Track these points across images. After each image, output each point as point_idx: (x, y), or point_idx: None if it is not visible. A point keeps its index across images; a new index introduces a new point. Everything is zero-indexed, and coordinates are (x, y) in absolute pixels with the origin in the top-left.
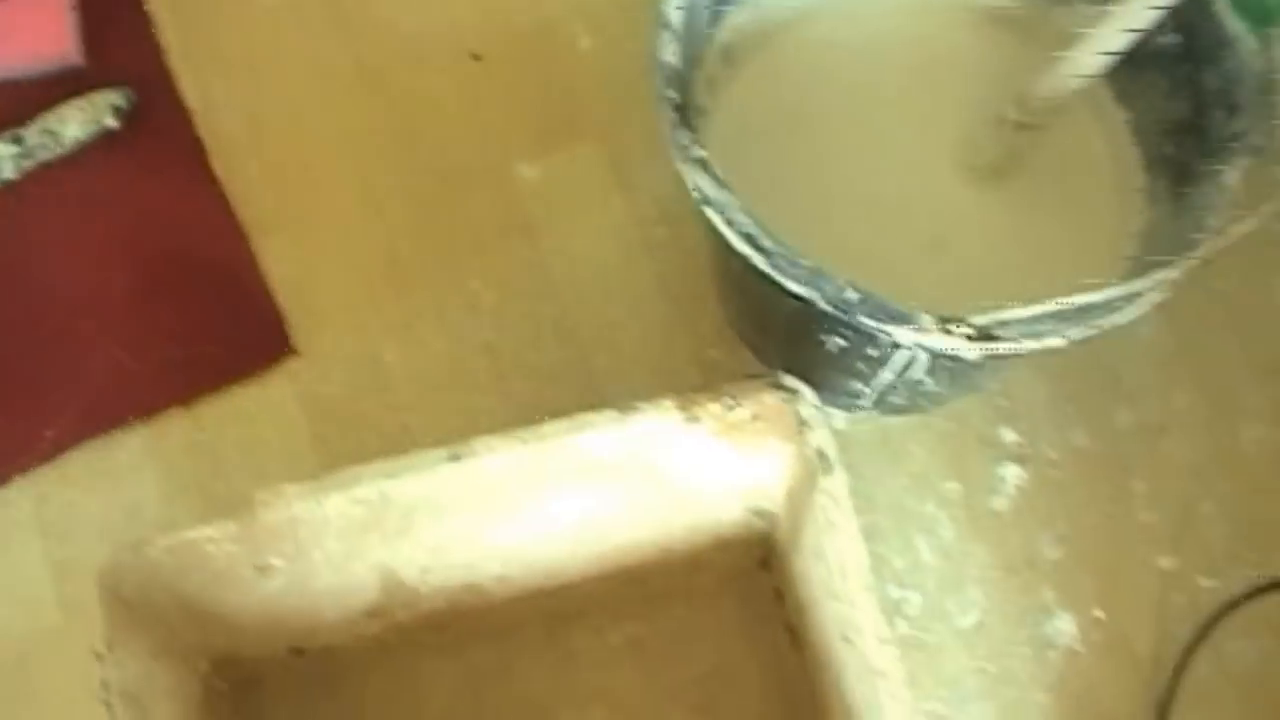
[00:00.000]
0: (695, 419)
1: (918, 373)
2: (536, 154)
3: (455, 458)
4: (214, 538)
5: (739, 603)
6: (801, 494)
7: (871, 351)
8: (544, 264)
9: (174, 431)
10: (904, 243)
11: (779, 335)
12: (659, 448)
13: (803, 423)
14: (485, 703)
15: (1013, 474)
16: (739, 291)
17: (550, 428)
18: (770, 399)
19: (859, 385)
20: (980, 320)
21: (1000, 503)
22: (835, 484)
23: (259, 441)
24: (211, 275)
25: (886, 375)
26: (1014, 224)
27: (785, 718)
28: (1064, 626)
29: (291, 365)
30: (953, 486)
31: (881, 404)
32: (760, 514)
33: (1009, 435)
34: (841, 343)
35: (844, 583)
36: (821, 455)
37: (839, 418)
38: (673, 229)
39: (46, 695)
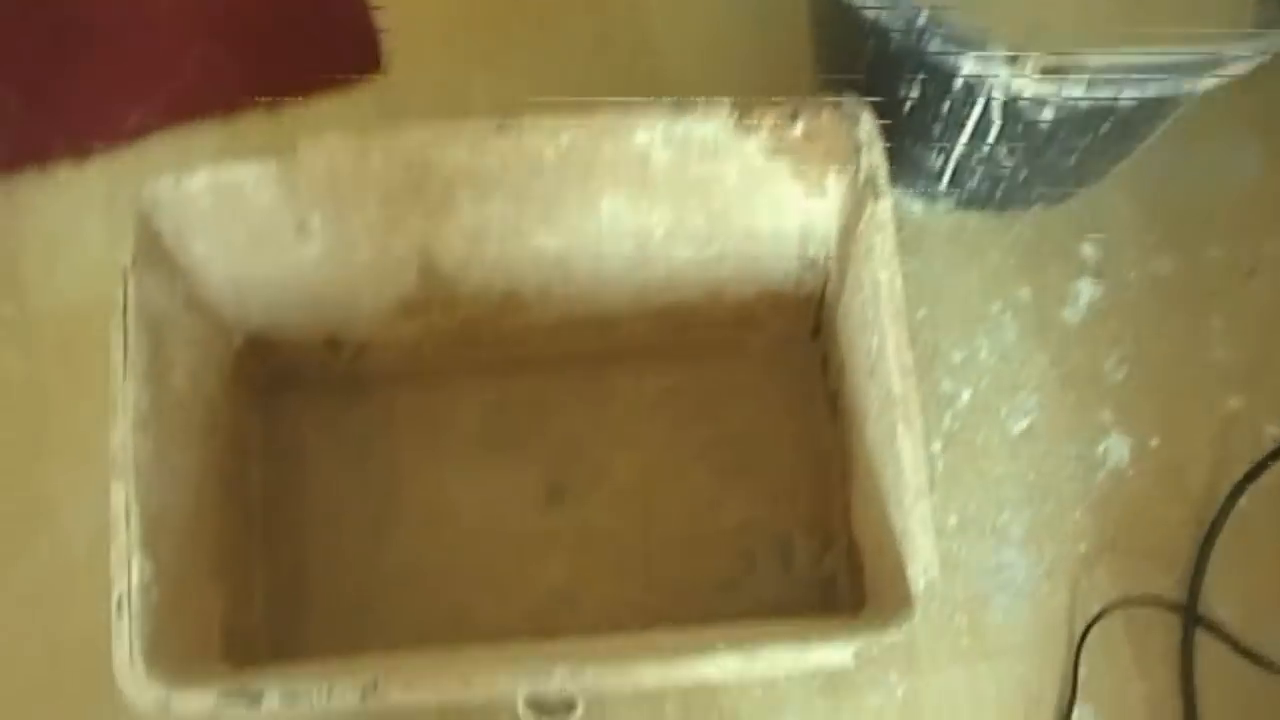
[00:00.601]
0: (751, 126)
1: (990, 136)
2: None
3: (503, 128)
4: (256, 178)
5: (784, 369)
6: (852, 237)
7: (945, 106)
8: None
9: (254, 133)
10: None
11: (862, 88)
12: (711, 159)
13: (858, 145)
14: (516, 431)
15: (1088, 289)
16: (828, 32)
17: (602, 112)
18: (829, 116)
19: (935, 159)
20: (1052, 57)
21: (1071, 315)
22: (882, 208)
23: None
24: None
25: (960, 142)
26: None
27: (812, 492)
28: (1117, 448)
29: (379, 83)
30: (1024, 292)
31: (959, 189)
32: (812, 266)
33: (1090, 251)
34: (916, 95)
35: (875, 310)
36: (871, 179)
37: (916, 207)
38: None
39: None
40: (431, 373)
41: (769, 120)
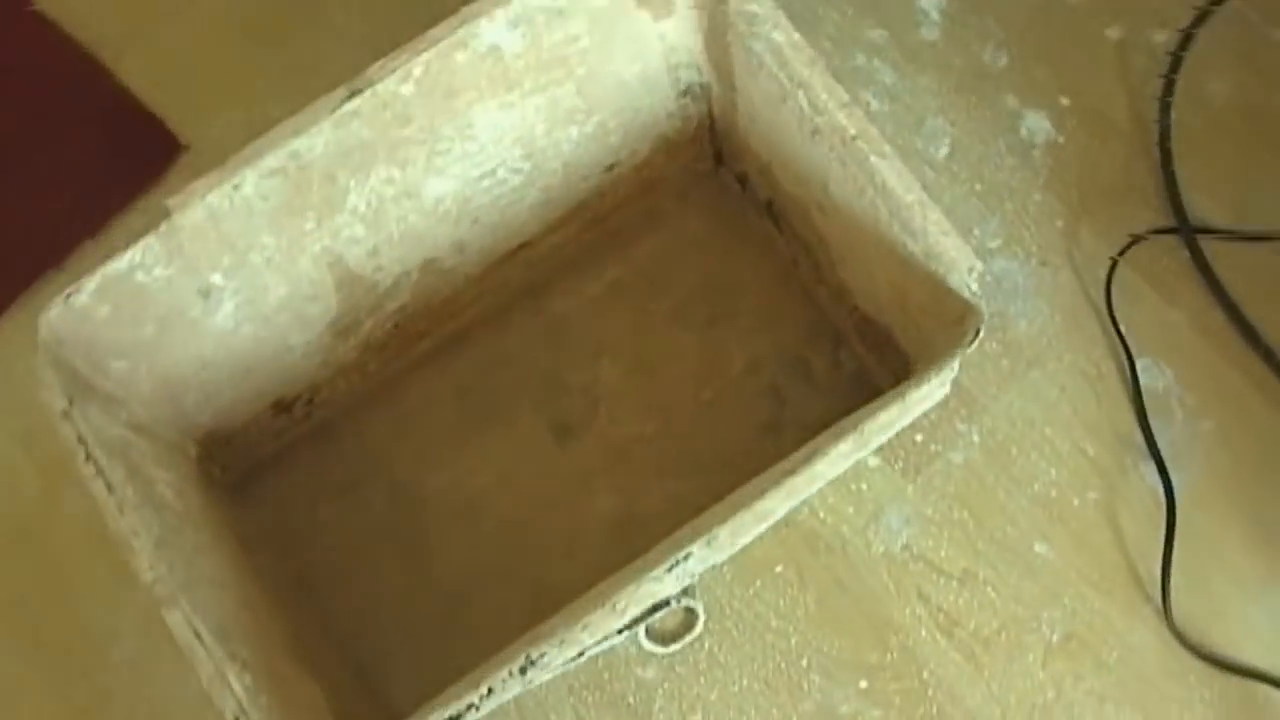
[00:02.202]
0: None
1: None
2: None
3: (354, 92)
4: (141, 262)
5: (706, 208)
6: (721, 40)
7: None
8: None
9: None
10: None
11: None
12: (559, 22)
13: None
14: (494, 397)
15: (932, 2)
16: None
17: (438, 28)
18: None
19: None
20: None
21: (930, 33)
22: None
23: None
24: (73, 109)
25: None
26: None
27: (795, 304)
28: (1037, 124)
29: (191, 157)
30: (878, 34)
31: None
32: (691, 93)
33: None
34: None
35: (788, 73)
36: None
37: None
38: None
39: (57, 553)
40: (387, 386)
41: None
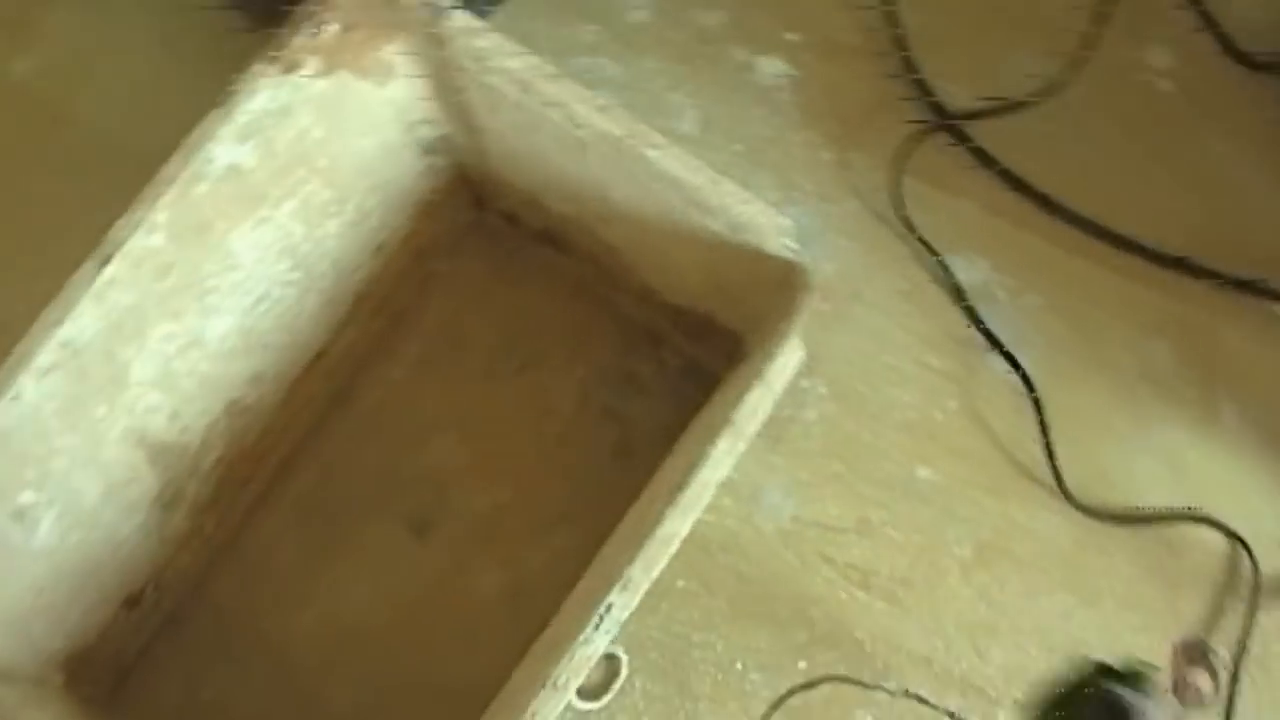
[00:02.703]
0: (295, 64)
1: None
2: None
3: (105, 260)
4: None
5: (480, 257)
6: (452, 85)
7: None
8: None
9: None
10: None
11: None
12: (285, 121)
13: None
14: (337, 512)
15: None
16: None
17: (170, 164)
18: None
19: None
20: None
21: (640, 15)
22: (459, 18)
23: None
24: None
25: None
26: None
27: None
28: (772, 67)
29: None
30: (591, 31)
31: None
32: (434, 148)
33: None
34: None
35: (536, 96)
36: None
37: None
38: None
39: None
40: (229, 543)
41: (301, 42)
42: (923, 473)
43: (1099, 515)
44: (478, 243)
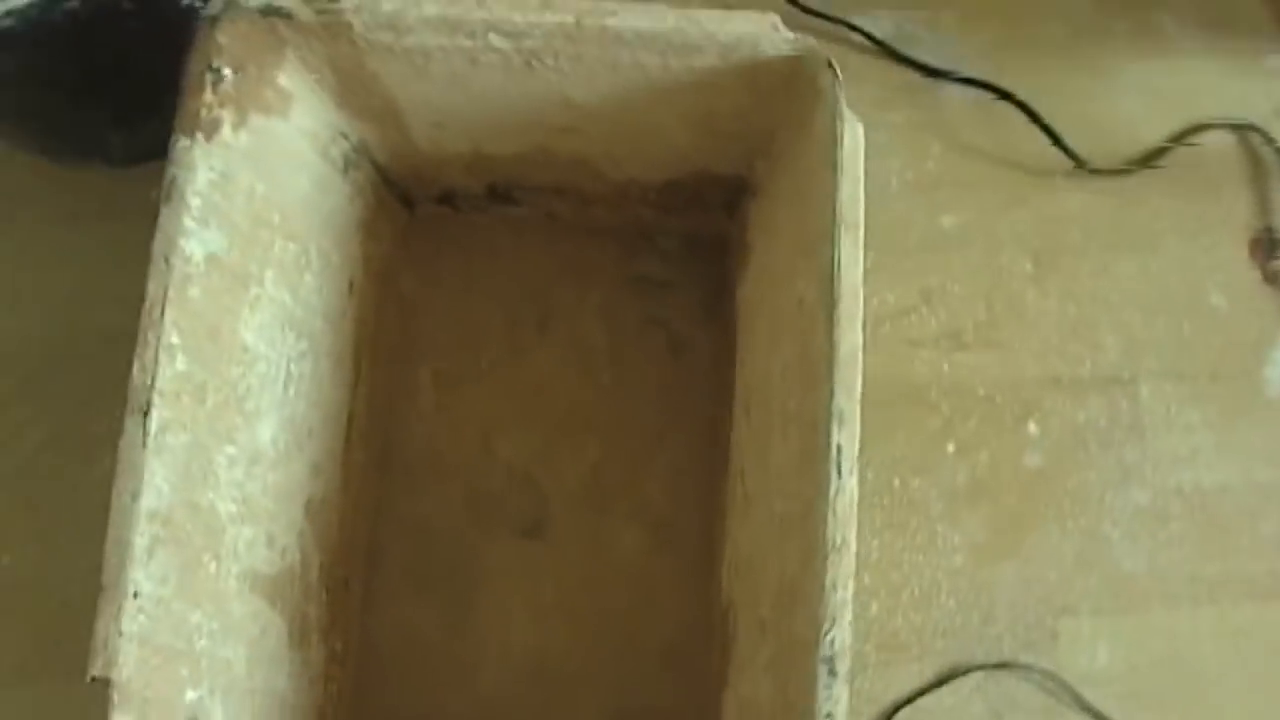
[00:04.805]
0: (215, 124)
1: None
2: None
3: (144, 411)
4: None
5: (427, 256)
6: (360, 75)
7: None
8: None
9: None
10: None
11: None
12: (234, 190)
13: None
14: (451, 541)
15: None
16: None
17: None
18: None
19: None
20: None
21: None
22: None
23: None
24: None
25: None
26: None
27: (575, 241)
28: None
29: None
30: None
31: None
32: (351, 162)
33: None
34: None
35: (465, 27)
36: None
37: None
38: None
39: None
40: (365, 658)
41: (206, 99)
42: (947, 220)
43: (1118, 171)
44: (427, 240)
